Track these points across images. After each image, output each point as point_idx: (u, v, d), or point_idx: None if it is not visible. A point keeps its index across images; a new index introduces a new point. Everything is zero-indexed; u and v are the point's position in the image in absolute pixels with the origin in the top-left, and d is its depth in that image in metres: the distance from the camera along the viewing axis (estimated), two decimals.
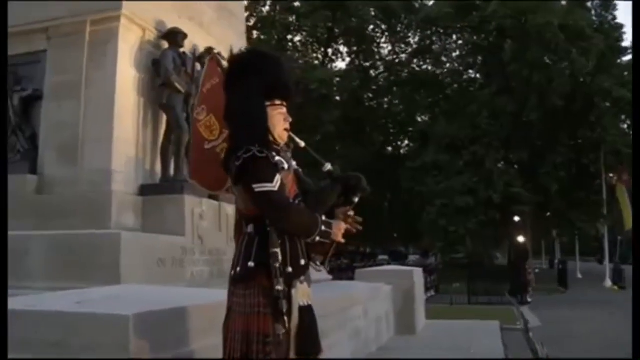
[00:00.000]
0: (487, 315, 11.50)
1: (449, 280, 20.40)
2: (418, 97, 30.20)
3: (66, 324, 2.22)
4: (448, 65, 31.69)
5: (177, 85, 6.10)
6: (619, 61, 26.89)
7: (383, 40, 33.64)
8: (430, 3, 30.32)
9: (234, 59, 2.48)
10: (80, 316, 2.26)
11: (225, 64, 2.64)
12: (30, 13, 5.46)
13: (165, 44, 6.39)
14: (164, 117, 6.33)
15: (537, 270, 23.04)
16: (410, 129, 32.06)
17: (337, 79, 29.25)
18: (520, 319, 11.24)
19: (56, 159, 5.74)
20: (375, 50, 33.15)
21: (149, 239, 5.31)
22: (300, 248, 2.27)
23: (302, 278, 2.27)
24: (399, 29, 32.34)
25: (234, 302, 2.22)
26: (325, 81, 26.33)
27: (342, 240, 2.33)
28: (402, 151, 33.53)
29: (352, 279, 10.56)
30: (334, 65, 33.87)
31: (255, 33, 31.78)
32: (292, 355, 2.18)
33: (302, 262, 2.27)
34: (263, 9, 30.76)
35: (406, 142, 34.07)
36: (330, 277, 9.29)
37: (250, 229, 2.27)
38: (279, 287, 2.12)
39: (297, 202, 2.34)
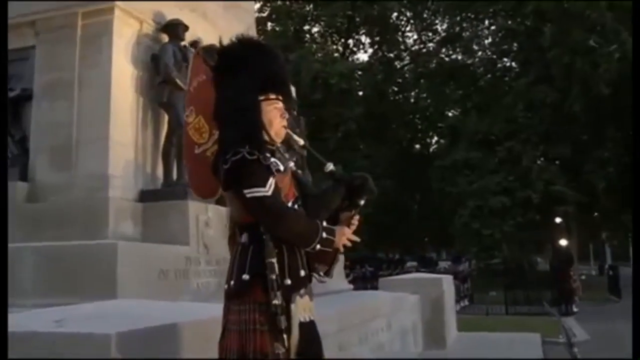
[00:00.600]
0: (526, 326, 11.33)
1: (484, 288, 20.14)
2: (447, 89, 29.90)
3: (39, 345, 2.17)
4: (480, 53, 31.28)
5: (178, 81, 6.05)
6: None
7: (408, 28, 33.53)
8: None
9: (222, 50, 2.43)
10: (56, 336, 2.20)
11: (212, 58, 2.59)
12: (15, 5, 5.45)
13: (165, 38, 6.37)
14: (165, 117, 6.31)
15: (583, 277, 22.64)
16: (440, 124, 31.78)
17: (359, 72, 29.20)
18: (564, 331, 11.01)
19: (48, 164, 5.73)
20: (400, 39, 33.03)
21: (150, 249, 5.28)
22: (299, 258, 2.23)
23: (303, 291, 2.22)
24: (425, 15, 32.17)
25: (229, 319, 2.19)
26: (345, 75, 26.31)
27: (346, 244, 2.29)
28: (430, 149, 33.36)
29: (376, 288, 10.54)
30: (355, 57, 33.93)
31: (269, 24, 31.95)
32: None
33: (302, 273, 2.22)
34: None
35: (435, 138, 33.90)
36: (351, 286, 9.27)
37: (244, 238, 2.23)
38: (276, 302, 2.08)
39: (295, 206, 2.30)
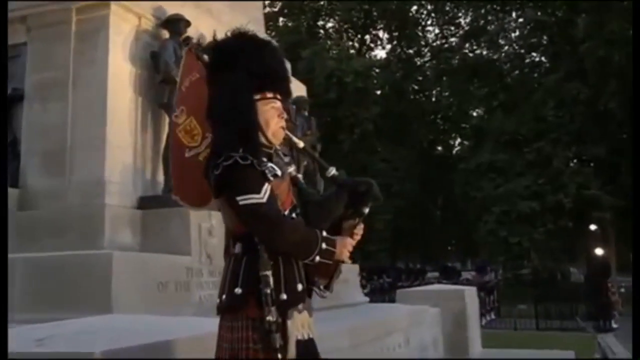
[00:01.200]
0: (559, 343, 11.14)
1: (512, 300, 19.95)
2: (471, 87, 29.85)
3: None
4: (506, 48, 31.22)
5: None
6: None
7: (429, 22, 33.55)
8: None
9: (216, 45, 2.42)
10: (34, 357, 2.17)
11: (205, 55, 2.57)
12: None
13: (166, 34, 6.36)
14: (166, 118, 6.28)
15: (623, 290, 22.28)
16: (463, 124, 31.73)
17: (376, 70, 29.21)
18: (600, 349, 10.87)
19: (40, 169, 5.72)
20: (420, 34, 33.03)
21: (148, 259, 5.26)
22: (296, 270, 2.19)
23: (301, 306, 2.18)
24: (447, 8, 32.11)
25: (222, 335, 2.17)
26: (362, 73, 26.34)
27: (348, 261, 2.26)
28: (453, 151, 33.26)
29: (394, 301, 10.49)
30: (372, 54, 33.94)
31: (280, 20, 32.08)
32: None
33: (300, 287, 2.19)
34: None
35: (458, 140, 33.82)
36: (367, 299, 9.21)
37: (237, 248, 2.21)
38: (270, 318, 2.05)
39: (293, 215, 2.26)
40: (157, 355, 2.51)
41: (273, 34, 27.71)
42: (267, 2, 28.53)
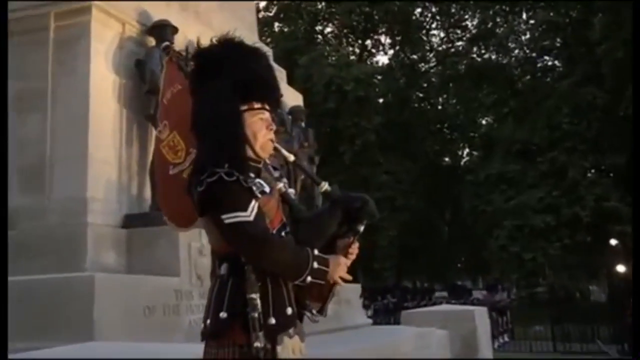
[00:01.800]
0: None
1: (527, 321, 19.87)
2: (479, 94, 29.88)
3: None
4: (516, 51, 31.30)
5: None
6: None
7: (434, 25, 33.69)
8: None
9: (199, 52, 2.41)
10: None
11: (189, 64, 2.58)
12: None
13: (151, 41, 6.39)
14: (152, 131, 6.27)
15: None
16: (471, 134, 31.73)
17: (378, 77, 29.27)
18: None
19: (18, 186, 5.72)
20: (425, 38, 33.16)
21: (134, 281, 5.25)
22: (286, 293, 2.19)
23: (291, 331, 2.17)
24: (453, 10, 32.21)
25: None
26: (363, 80, 26.37)
27: (340, 282, 2.25)
28: (461, 162, 33.23)
29: (399, 322, 10.47)
30: (373, 60, 34.04)
31: (276, 25, 32.20)
32: None
33: (289, 310, 2.18)
34: None
35: (466, 150, 33.81)
36: (370, 321, 9.18)
37: (223, 269, 2.21)
38: (258, 344, 2.04)
39: (282, 233, 2.26)
40: None
41: (268, 40, 27.82)
42: (261, 6, 28.69)
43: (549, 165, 24.50)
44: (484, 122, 31.92)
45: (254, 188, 2.16)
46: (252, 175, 2.20)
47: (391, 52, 33.88)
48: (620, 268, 23.57)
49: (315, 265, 2.15)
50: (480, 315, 8.83)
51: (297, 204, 2.42)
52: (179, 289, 5.50)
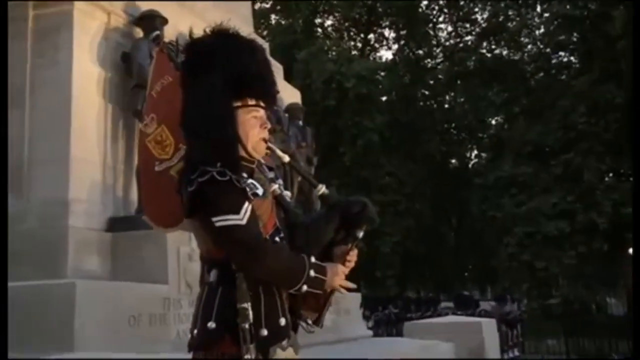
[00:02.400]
0: None
1: (539, 334, 19.89)
2: (489, 92, 29.91)
3: None
4: (529, 47, 31.35)
5: None
6: None
7: (441, 19, 33.67)
8: None
9: (191, 44, 2.40)
10: None
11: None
12: None
13: (139, 32, 6.39)
14: None
15: None
16: (480, 134, 31.75)
17: (381, 73, 29.24)
18: None
19: None
20: (431, 32, 33.13)
21: (118, 289, 5.26)
22: (279, 302, 2.18)
23: (285, 342, 2.17)
24: (461, 2, 32.24)
25: None
26: (365, 77, 26.35)
27: (342, 290, 2.25)
28: (469, 164, 33.26)
29: (401, 334, 10.50)
30: (376, 55, 34.04)
31: (273, 18, 32.25)
32: None
33: (282, 321, 2.17)
34: None
35: (475, 152, 33.82)
36: (370, 333, 9.18)
37: (212, 276, 2.21)
38: (249, 357, 2.04)
39: (276, 238, 2.25)
40: None
41: (265, 33, 27.84)
42: None
43: (564, 168, 24.45)
44: (493, 122, 31.93)
45: (247, 189, 2.16)
46: (245, 175, 2.20)
47: (395, 47, 33.91)
48: None
49: (312, 273, 2.14)
50: (489, 327, 8.88)
51: (293, 208, 2.42)
52: (167, 296, 5.52)
